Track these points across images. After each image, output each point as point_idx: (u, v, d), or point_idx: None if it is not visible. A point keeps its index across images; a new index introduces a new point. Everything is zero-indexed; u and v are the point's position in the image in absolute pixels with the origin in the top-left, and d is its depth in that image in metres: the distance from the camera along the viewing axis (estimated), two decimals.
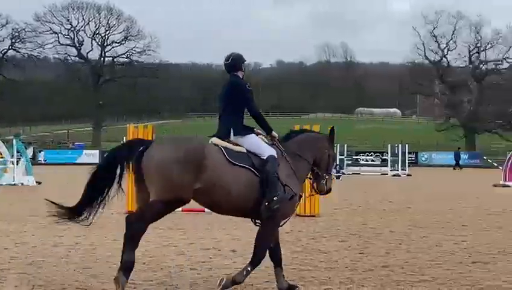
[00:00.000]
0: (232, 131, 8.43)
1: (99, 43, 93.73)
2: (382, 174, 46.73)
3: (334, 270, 9.97)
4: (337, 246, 12.36)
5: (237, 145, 8.36)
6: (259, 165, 8.23)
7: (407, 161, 48.61)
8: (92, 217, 8.11)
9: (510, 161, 34.45)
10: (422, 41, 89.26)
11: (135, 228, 7.72)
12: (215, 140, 8.39)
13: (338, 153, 44.97)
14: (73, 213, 8.04)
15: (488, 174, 46.15)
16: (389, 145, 49.23)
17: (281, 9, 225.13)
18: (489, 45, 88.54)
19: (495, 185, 33.18)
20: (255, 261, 8.35)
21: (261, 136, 8.65)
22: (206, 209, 17.26)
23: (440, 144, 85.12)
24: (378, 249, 11.98)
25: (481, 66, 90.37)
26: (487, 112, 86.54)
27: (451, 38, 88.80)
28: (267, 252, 8.46)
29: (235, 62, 8.85)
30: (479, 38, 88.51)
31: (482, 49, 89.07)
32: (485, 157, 66.84)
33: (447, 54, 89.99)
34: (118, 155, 8.08)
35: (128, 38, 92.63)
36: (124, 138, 20.75)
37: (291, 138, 8.99)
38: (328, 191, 9.16)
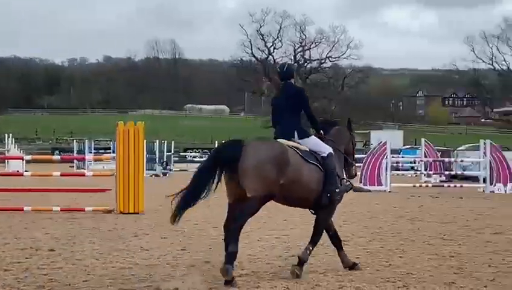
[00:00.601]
0: (296, 134, 9.37)
1: None
2: None
3: (156, 267, 9.89)
4: (160, 243, 12.25)
5: (301, 145, 9.31)
6: (321, 161, 9.31)
7: None
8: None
9: None
10: (249, 39, 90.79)
11: (238, 223, 8.72)
12: (283, 142, 9.24)
13: (165, 150, 44.77)
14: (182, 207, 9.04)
15: None
16: (216, 142, 49.53)
17: (108, 2, 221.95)
18: (314, 44, 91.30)
19: None
20: (315, 240, 9.63)
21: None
22: (25, 208, 16.82)
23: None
24: (201, 245, 11.99)
25: (306, 64, 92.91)
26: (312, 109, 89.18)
27: (277, 37, 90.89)
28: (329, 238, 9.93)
29: (290, 70, 9.83)
30: (304, 37, 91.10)
31: (306, 48, 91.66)
32: None
33: (273, 52, 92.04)
34: (218, 157, 8.88)
35: None
36: None
37: (325, 133, 9.99)
38: (355, 175, 10.58)
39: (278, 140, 9.31)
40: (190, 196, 9.00)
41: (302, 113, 9.66)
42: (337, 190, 9.35)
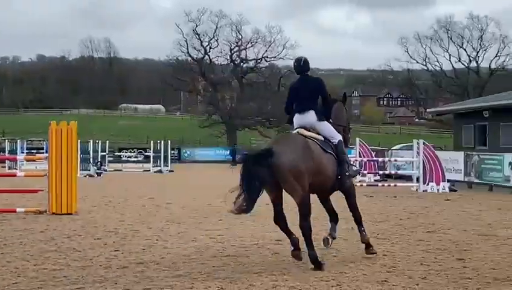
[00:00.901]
0: (316, 118, 10.33)
1: None
2: (145, 170, 46.62)
3: (88, 268, 9.75)
4: (93, 244, 12.09)
5: (315, 132, 10.30)
6: (334, 148, 10.33)
7: (169, 157, 48.92)
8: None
9: None
10: (185, 39, 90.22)
11: (306, 226, 9.59)
12: (301, 131, 10.29)
13: (100, 150, 44.28)
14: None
15: None
16: (152, 141, 49.26)
17: (42, 1, 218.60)
18: (250, 44, 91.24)
19: None
20: (359, 220, 10.96)
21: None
22: None
23: (203, 140, 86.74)
24: (134, 246, 11.86)
25: (242, 64, 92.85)
26: (248, 109, 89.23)
27: (213, 37, 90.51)
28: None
29: (306, 64, 10.72)
30: (240, 37, 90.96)
31: (242, 48, 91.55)
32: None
33: (209, 52, 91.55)
34: (252, 169, 9.44)
35: None
36: None
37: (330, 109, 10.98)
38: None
39: (297, 130, 10.33)
40: (247, 202, 9.55)
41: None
42: (347, 174, 10.52)
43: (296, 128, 10.45)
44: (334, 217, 11.35)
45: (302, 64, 10.69)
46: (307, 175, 9.61)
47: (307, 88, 10.52)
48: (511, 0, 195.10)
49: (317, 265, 9.62)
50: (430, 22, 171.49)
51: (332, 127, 10.61)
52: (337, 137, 10.54)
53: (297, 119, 10.55)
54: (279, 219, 9.97)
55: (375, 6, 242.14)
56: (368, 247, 10.82)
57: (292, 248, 10.04)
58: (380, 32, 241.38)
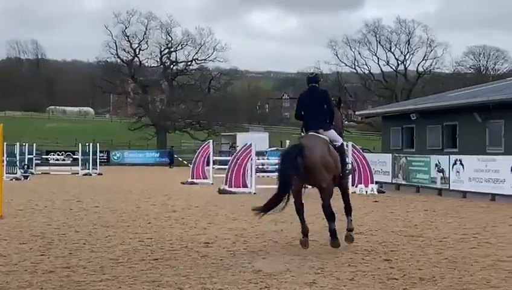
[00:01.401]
0: (323, 127, 11.85)
1: None
2: (73, 173, 46.07)
3: (13, 274, 9.55)
4: (18, 249, 11.85)
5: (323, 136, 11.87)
6: (337, 149, 11.90)
7: (98, 160, 48.42)
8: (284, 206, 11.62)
9: (197, 159, 35.58)
10: (114, 40, 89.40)
11: (327, 208, 11.57)
12: (315, 134, 11.88)
13: (27, 153, 43.55)
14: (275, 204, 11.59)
15: (178, 172, 47.37)
16: (80, 144, 48.69)
17: None
18: (180, 46, 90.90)
19: (183, 183, 34.02)
20: (350, 211, 12.42)
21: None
22: None
23: (133, 142, 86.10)
24: (61, 250, 11.67)
25: (172, 66, 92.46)
26: (178, 111, 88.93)
27: (143, 38, 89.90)
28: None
29: (317, 77, 12.61)
30: (170, 39, 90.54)
31: (172, 50, 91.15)
32: (175, 156, 68.53)
33: (139, 54, 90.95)
34: (287, 161, 11.30)
35: None
36: None
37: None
38: None
39: (310, 132, 11.87)
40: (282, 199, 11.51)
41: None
42: (347, 171, 12.46)
43: (308, 132, 12.02)
44: (347, 210, 12.51)
45: (313, 76, 12.42)
46: (332, 164, 11.41)
47: (315, 100, 12.02)
48: (437, 5, 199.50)
49: (335, 238, 11.53)
50: (358, 26, 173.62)
51: (335, 133, 12.12)
52: (340, 140, 12.15)
53: (309, 128, 12.01)
54: (302, 210, 11.79)
55: (303, 8, 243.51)
56: (350, 231, 12.27)
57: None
58: (308, 35, 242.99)
